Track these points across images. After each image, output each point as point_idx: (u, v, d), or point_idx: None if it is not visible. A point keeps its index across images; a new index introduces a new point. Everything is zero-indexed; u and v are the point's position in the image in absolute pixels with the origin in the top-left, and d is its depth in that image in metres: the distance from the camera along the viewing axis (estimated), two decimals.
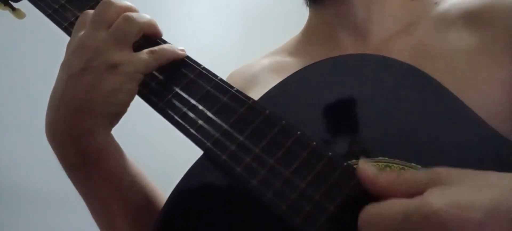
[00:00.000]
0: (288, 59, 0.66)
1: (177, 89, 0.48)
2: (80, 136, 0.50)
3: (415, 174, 0.34)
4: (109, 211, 0.55)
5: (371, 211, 0.34)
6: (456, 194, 0.31)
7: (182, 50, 0.52)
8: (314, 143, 0.41)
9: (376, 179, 0.35)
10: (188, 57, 0.50)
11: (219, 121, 0.45)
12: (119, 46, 0.49)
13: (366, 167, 0.36)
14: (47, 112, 0.51)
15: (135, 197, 0.55)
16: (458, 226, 0.30)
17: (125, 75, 0.49)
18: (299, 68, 0.50)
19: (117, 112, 0.51)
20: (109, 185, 0.53)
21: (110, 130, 0.52)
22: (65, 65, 0.51)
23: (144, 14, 0.53)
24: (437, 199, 0.31)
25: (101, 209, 0.55)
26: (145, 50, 0.50)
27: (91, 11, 0.52)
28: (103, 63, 0.48)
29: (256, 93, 0.50)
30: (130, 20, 0.51)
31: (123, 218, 0.55)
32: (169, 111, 0.47)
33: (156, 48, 0.50)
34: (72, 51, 0.51)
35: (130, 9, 0.53)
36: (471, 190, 0.32)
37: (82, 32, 0.51)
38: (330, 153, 0.41)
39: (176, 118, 0.46)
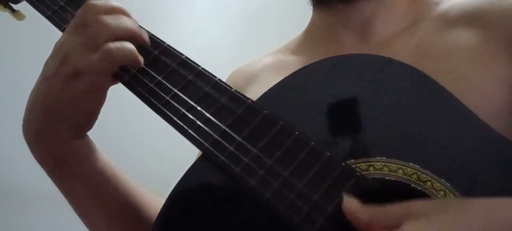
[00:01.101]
0: (290, 58, 0.66)
1: (176, 90, 0.48)
2: (47, 140, 0.50)
3: (392, 208, 0.36)
4: (85, 208, 0.57)
5: None
6: (428, 227, 0.33)
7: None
8: (313, 143, 0.42)
9: (358, 214, 0.37)
10: (187, 58, 0.50)
11: (217, 122, 0.45)
12: (90, 52, 0.47)
13: (350, 202, 0.38)
14: (24, 112, 0.52)
15: (108, 197, 0.55)
16: None
17: (89, 84, 0.48)
18: (300, 68, 0.50)
19: (84, 120, 0.51)
20: (81, 185, 0.54)
21: (80, 135, 0.52)
22: (44, 66, 0.51)
23: (124, 18, 0.50)
24: None
25: (78, 206, 0.57)
26: (101, 51, 0.47)
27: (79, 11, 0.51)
28: (68, 71, 0.47)
29: (257, 92, 0.50)
30: (104, 25, 0.48)
31: (99, 216, 0.56)
32: (168, 112, 0.47)
33: (112, 47, 0.47)
34: (52, 53, 0.51)
35: (113, 10, 0.50)
36: (442, 222, 0.33)
37: (66, 35, 0.50)
38: (328, 153, 0.41)
39: (175, 118, 0.46)
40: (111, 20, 0.49)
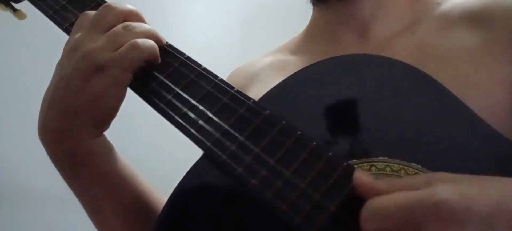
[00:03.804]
0: (290, 57, 0.66)
1: (178, 90, 0.48)
2: (67, 138, 0.50)
3: (414, 178, 0.35)
4: (100, 210, 0.56)
5: (374, 202, 0.33)
6: (465, 188, 0.31)
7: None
8: (314, 142, 0.42)
9: (374, 185, 0.35)
10: (188, 57, 0.50)
11: (219, 121, 0.45)
12: (112, 49, 0.48)
13: (362, 175, 0.36)
14: (39, 112, 0.52)
15: (125, 198, 0.55)
16: (467, 216, 0.30)
17: (112, 78, 0.48)
18: (300, 67, 0.50)
19: (104, 117, 0.51)
20: (98, 185, 0.53)
21: (100, 133, 0.52)
22: (58, 65, 0.51)
23: (145, 24, 0.51)
24: (446, 190, 0.31)
25: (93, 207, 0.56)
26: (127, 44, 0.48)
27: (91, 12, 0.52)
28: (90, 66, 0.48)
29: (257, 92, 0.50)
30: (129, 29, 0.49)
31: (115, 218, 0.56)
32: (170, 112, 0.47)
33: (138, 41, 0.48)
34: (66, 53, 0.51)
35: (131, 14, 0.52)
36: (478, 185, 0.32)
37: (78, 34, 0.51)
38: (330, 153, 0.41)
39: (177, 118, 0.46)
40: (135, 25, 0.50)
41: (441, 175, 0.34)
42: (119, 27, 0.49)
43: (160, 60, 0.50)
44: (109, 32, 0.49)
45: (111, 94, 0.48)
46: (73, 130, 0.50)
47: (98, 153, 0.52)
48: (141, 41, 0.48)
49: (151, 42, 0.49)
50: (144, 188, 0.57)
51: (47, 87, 0.51)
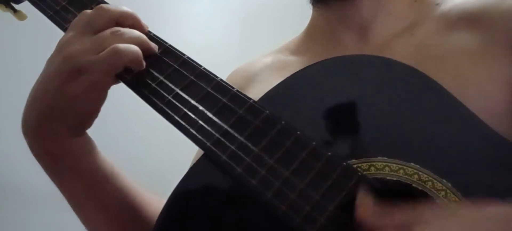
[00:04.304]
0: (290, 58, 0.66)
1: (178, 90, 0.48)
2: (47, 137, 0.50)
3: (405, 212, 0.36)
4: (82, 205, 0.57)
5: None
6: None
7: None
8: (314, 143, 0.42)
9: (371, 216, 0.37)
10: (188, 57, 0.50)
11: (219, 121, 0.45)
12: (95, 53, 0.47)
13: (365, 201, 0.38)
14: (24, 108, 0.52)
15: (107, 195, 0.56)
16: None
17: (90, 82, 0.47)
18: (300, 68, 0.50)
19: (83, 118, 0.51)
20: (78, 182, 0.54)
21: (80, 132, 0.52)
22: (47, 63, 0.51)
23: (135, 31, 0.50)
24: None
25: (75, 202, 0.57)
26: (108, 49, 0.47)
27: (87, 13, 0.52)
28: (71, 68, 0.47)
29: (257, 92, 0.50)
30: (117, 34, 0.48)
31: (96, 213, 0.56)
32: (170, 112, 0.47)
33: (120, 46, 0.47)
34: (54, 51, 0.51)
35: (125, 16, 0.51)
36: (453, 228, 0.34)
37: (70, 34, 0.50)
38: (329, 153, 0.41)
39: (177, 118, 0.46)
40: (124, 30, 0.49)
41: (428, 213, 0.36)
42: (107, 31, 0.49)
43: (144, 66, 0.49)
44: (96, 36, 0.48)
45: (90, 98, 0.49)
46: (51, 129, 0.50)
47: (77, 152, 0.52)
48: (123, 46, 0.47)
49: (133, 48, 0.48)
50: (127, 186, 0.57)
51: (34, 84, 0.51)
